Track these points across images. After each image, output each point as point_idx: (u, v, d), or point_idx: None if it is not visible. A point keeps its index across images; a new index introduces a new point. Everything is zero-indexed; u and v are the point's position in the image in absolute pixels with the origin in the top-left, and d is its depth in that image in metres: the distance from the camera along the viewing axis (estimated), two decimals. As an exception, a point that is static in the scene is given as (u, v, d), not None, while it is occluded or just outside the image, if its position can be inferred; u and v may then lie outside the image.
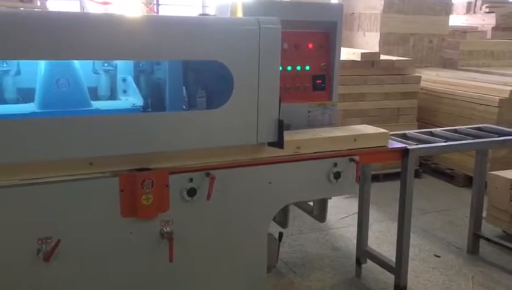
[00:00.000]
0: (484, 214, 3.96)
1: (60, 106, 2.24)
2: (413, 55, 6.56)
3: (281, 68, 2.37)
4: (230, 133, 2.31)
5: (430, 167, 5.82)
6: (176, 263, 2.26)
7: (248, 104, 2.30)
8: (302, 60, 2.87)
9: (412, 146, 2.99)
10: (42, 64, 2.28)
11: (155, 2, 8.05)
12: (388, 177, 5.32)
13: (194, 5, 9.12)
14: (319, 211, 3.12)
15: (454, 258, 3.78)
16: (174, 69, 2.51)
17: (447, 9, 7.14)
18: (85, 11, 6.83)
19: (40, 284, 2.11)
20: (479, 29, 8.42)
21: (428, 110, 5.97)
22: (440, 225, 4.41)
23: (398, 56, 6.14)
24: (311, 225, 4.16)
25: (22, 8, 5.68)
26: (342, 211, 4.56)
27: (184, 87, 2.60)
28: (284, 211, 3.01)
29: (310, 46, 2.89)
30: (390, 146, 2.88)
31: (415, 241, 3.90)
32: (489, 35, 8.28)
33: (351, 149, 2.67)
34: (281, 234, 2.91)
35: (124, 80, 2.62)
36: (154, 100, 2.60)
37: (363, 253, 3.43)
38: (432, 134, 3.50)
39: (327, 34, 2.90)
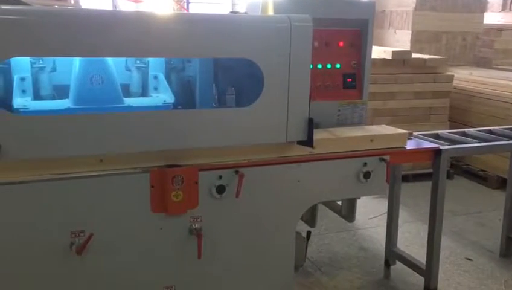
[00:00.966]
0: (518, 217, 3.85)
1: (93, 102, 2.28)
2: (445, 53, 6.43)
3: (311, 66, 2.36)
4: (260, 131, 2.31)
5: (461, 168, 5.69)
6: (204, 259, 2.28)
7: (278, 102, 2.29)
8: (332, 58, 2.85)
9: (445, 146, 2.93)
10: (77, 62, 2.33)
11: (185, 0, 8.13)
12: (418, 177, 5.23)
13: (223, 2, 9.17)
14: (348, 211, 3.09)
15: (487, 262, 3.68)
16: (204, 66, 2.53)
17: (482, 7, 6.96)
18: (117, 8, 6.96)
19: (73, 277, 2.16)
20: (515, 27, 8.18)
21: (461, 110, 5.84)
22: (472, 227, 4.31)
23: (430, 54, 6.02)
24: (338, 225, 4.12)
25: (56, 6, 5.82)
26: (370, 211, 4.50)
27: (214, 85, 2.62)
28: (312, 210, 3.00)
29: (341, 44, 2.86)
30: (422, 146, 2.83)
31: (446, 244, 3.81)
32: (525, 33, 8.04)
33: (367, 150, 2.61)
34: (309, 233, 2.90)
35: (156, 77, 2.65)
36: (185, 97, 2.62)
37: (392, 254, 3.38)
38: (465, 134, 3.42)
39: (358, 31, 2.87)
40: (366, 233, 4.13)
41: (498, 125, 3.74)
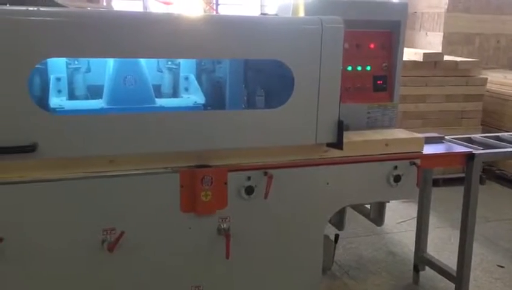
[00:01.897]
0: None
1: (126, 102, 2.32)
2: (478, 56, 6.29)
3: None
4: (289, 132, 2.30)
5: (494, 173, 5.56)
6: (231, 259, 2.28)
7: (308, 104, 2.29)
8: (363, 60, 2.82)
9: (478, 151, 2.87)
10: (111, 62, 2.37)
11: (214, 2, 8.19)
12: (448, 182, 5.14)
13: (251, 4, 9.19)
14: (377, 215, 3.06)
15: (519, 270, 3.59)
16: (235, 67, 2.54)
17: (517, 8, 6.79)
18: (148, 10, 7.06)
19: (103, 274, 2.19)
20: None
21: (494, 113, 5.70)
22: (504, 234, 4.21)
23: (462, 57, 5.90)
24: (366, 228, 4.08)
25: (89, 8, 5.95)
26: (398, 215, 4.45)
27: (243, 86, 2.63)
28: (341, 213, 2.97)
29: (372, 45, 2.83)
30: (454, 150, 2.78)
31: (477, 250, 3.73)
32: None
33: (382, 154, 2.55)
34: (337, 236, 2.88)
35: (187, 78, 2.68)
36: (215, 98, 2.64)
37: (422, 259, 3.33)
38: (499, 138, 3.33)
39: (390, 33, 2.83)
40: (394, 237, 4.08)
41: (533, 130, 3.63)
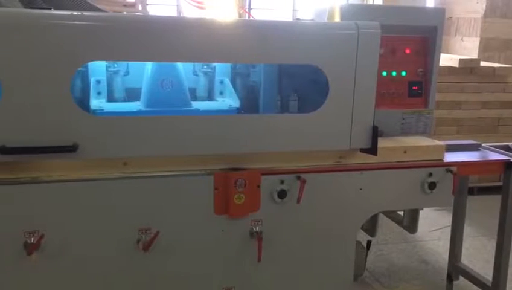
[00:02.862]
0: None
1: (163, 105, 2.37)
2: (516, 62, 6.13)
3: (376, 73, 2.33)
4: (323, 137, 2.30)
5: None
6: (263, 263, 2.30)
7: (342, 109, 2.28)
8: (398, 66, 2.79)
9: (517, 159, 2.80)
10: (148, 66, 2.43)
11: (247, 6, 8.23)
12: (483, 191, 5.01)
13: (284, 8, 9.19)
14: (410, 222, 3.01)
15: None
16: (269, 72, 2.56)
17: (557, 13, 6.59)
18: (182, 15, 7.17)
19: (137, 273, 2.23)
20: None
21: (532, 121, 5.54)
22: (542, 245, 4.07)
23: (499, 63, 5.76)
24: (398, 235, 4.03)
25: (124, 12, 6.08)
26: (431, 223, 4.37)
27: (277, 90, 2.64)
28: (373, 219, 2.94)
29: (407, 51, 2.80)
30: (491, 158, 2.72)
31: (513, 261, 3.63)
32: None
33: (399, 161, 2.50)
34: (369, 243, 2.85)
35: (222, 81, 2.71)
36: (249, 102, 2.67)
37: (456, 269, 3.26)
38: (537, 147, 3.25)
39: (426, 39, 2.80)
40: (427, 245, 4.01)
41: None
